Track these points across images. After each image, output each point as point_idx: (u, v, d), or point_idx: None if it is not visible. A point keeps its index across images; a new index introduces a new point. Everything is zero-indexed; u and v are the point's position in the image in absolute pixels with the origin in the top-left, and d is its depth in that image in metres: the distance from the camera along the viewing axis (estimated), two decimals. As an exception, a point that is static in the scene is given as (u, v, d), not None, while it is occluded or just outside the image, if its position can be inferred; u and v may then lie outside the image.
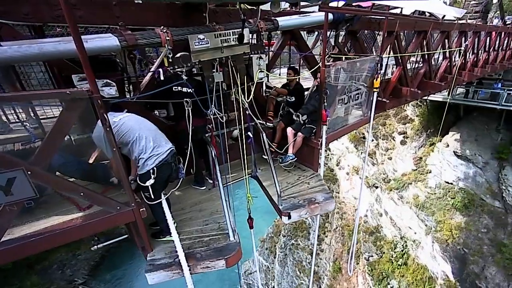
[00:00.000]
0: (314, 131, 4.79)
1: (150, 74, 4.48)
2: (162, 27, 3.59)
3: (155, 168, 2.99)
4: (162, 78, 3.67)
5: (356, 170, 25.69)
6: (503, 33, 15.16)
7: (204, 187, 4.59)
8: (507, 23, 19.00)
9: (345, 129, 5.49)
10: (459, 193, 16.68)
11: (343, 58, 6.13)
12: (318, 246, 26.10)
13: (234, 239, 3.27)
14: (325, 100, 4.44)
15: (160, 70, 3.65)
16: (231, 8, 4.72)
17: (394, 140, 22.85)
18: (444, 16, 8.80)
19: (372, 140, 24.95)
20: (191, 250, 3.09)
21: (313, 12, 5.98)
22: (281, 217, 3.97)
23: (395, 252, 17.99)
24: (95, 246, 2.81)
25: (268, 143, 4.30)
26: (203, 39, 3.75)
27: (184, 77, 3.82)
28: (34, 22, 3.65)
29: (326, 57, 7.39)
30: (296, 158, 4.93)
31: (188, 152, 3.98)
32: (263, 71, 4.62)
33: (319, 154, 4.88)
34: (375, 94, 5.73)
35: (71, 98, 2.22)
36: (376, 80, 5.58)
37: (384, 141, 24.11)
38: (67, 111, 2.25)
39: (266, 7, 4.27)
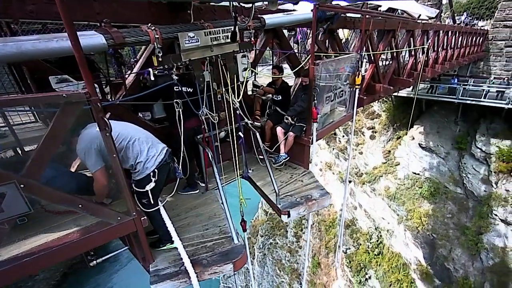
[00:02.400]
0: (304, 129, 4.82)
1: (133, 74, 4.27)
2: (149, 24, 3.40)
3: (156, 170, 2.83)
4: (152, 78, 3.47)
5: (329, 166, 26.46)
6: (457, 32, 16.40)
7: (198, 191, 4.44)
8: (457, 23, 20.65)
9: (332, 126, 5.59)
10: (426, 183, 17.80)
11: (323, 56, 6.26)
12: (296, 243, 26.52)
13: (239, 241, 3.19)
14: (315, 98, 4.49)
15: (150, 70, 3.45)
16: (216, 5, 4.62)
17: (364, 135, 23.84)
18: (420, 15, 9.30)
19: (343, 136, 25.85)
20: (195, 256, 2.96)
21: (293, 10, 6.03)
22: (280, 216, 3.94)
23: (371, 243, 18.79)
24: (94, 262, 2.58)
25: (261, 143, 4.24)
26: (193, 37, 3.61)
27: (175, 77, 3.67)
28: (3, 18, 3.34)
29: (305, 55, 7.54)
30: (289, 157, 4.94)
31: (182, 155, 3.84)
32: (250, 70, 4.57)
33: (309, 152, 4.92)
34: (357, 91, 5.91)
35: (67, 102, 2.01)
36: (358, 77, 5.75)
37: (354, 136, 25.07)
38: (62, 116, 2.03)
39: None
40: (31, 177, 1.96)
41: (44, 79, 3.45)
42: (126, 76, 4.21)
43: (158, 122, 4.60)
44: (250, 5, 3.79)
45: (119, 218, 2.48)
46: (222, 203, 3.71)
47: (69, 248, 2.23)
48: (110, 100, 4.02)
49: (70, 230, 2.35)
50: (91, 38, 2.96)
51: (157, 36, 3.34)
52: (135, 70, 4.38)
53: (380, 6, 8.90)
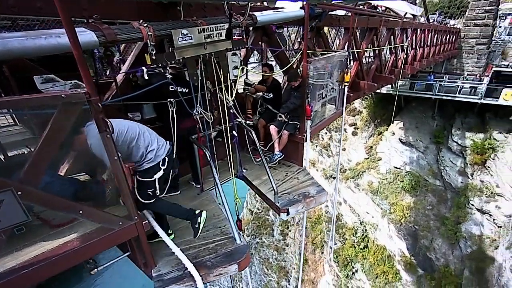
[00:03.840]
0: (298, 126, 4.83)
1: (122, 73, 4.12)
2: (141, 21, 3.29)
3: (166, 158, 2.95)
4: (146, 77, 3.35)
5: (312, 163, 26.76)
6: (433, 30, 17.06)
7: (179, 192, 4.32)
8: (430, 21, 21.47)
9: (324, 123, 5.65)
10: (407, 176, 18.39)
11: (311, 54, 6.30)
12: (283, 241, 26.69)
13: (241, 241, 3.15)
14: (308, 95, 4.51)
15: (144, 68, 3.32)
16: (206, 2, 4.54)
17: (346, 132, 24.30)
18: (406, 13, 9.55)
19: (326, 133, 26.27)
20: (199, 259, 2.89)
21: (282, 8, 6.03)
22: (279, 214, 3.93)
23: (356, 237, 19.21)
24: (95, 270, 2.45)
25: (258, 142, 4.21)
26: (187, 34, 3.53)
27: (169, 76, 3.57)
28: (-18, 12, 3.11)
29: (292, 52, 7.56)
30: (283, 156, 4.93)
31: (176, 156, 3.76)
32: (242, 67, 4.54)
33: (303, 149, 4.94)
34: (346, 88, 6.00)
35: (66, 103, 1.89)
36: (347, 74, 5.83)
37: (337, 133, 25.52)
38: (60, 117, 1.91)
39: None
40: (28, 184, 1.83)
41: (27, 78, 3.26)
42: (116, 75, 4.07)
43: (150, 122, 4.46)
44: (246, 2, 3.73)
45: (120, 223, 2.37)
46: (221, 203, 3.66)
47: (70, 256, 2.11)
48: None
49: (69, 237, 2.22)
50: (81, 35, 2.81)
51: (150, 33, 3.23)
52: (124, 68, 4.24)
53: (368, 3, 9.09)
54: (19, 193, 1.77)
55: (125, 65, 4.27)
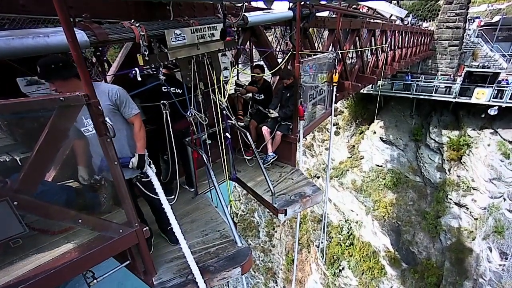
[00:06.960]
0: (290, 127, 4.84)
1: (111, 76, 3.97)
2: (132, 20, 3.18)
3: None
4: (139, 78, 3.23)
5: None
6: (410, 32, 17.70)
7: (173, 196, 4.21)
8: (404, 23, 22.30)
9: (315, 123, 5.70)
10: (389, 174, 18.92)
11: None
12: (269, 243, 26.72)
13: (242, 244, 3.10)
14: (301, 96, 4.52)
15: (137, 69, 3.21)
16: (195, 2, 4.47)
17: (328, 132, 24.71)
18: (391, 15, 9.79)
19: (309, 133, 26.61)
20: (201, 264, 2.81)
21: (271, 8, 6.04)
22: (277, 216, 3.90)
23: (342, 235, 19.52)
24: (95, 281, 2.32)
25: (253, 143, 4.17)
26: (180, 34, 3.45)
27: (162, 77, 3.47)
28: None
29: (279, 53, 7.59)
30: (277, 157, 4.92)
31: (170, 159, 3.68)
32: (234, 68, 4.51)
33: (296, 149, 4.95)
34: (335, 88, 6.09)
35: (64, 106, 1.78)
36: (335, 75, 5.92)
37: (319, 133, 25.94)
38: (58, 121, 1.80)
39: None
40: (25, 193, 1.70)
41: (7, 80, 3.08)
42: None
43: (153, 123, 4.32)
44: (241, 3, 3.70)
45: (121, 230, 2.26)
46: (217, 206, 3.60)
47: (69, 269, 1.98)
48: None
49: (66, 248, 2.09)
50: (71, 35, 2.68)
51: (142, 33, 3.13)
52: (112, 69, 4.09)
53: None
54: (15, 203, 1.64)
55: (114, 66, 4.13)
